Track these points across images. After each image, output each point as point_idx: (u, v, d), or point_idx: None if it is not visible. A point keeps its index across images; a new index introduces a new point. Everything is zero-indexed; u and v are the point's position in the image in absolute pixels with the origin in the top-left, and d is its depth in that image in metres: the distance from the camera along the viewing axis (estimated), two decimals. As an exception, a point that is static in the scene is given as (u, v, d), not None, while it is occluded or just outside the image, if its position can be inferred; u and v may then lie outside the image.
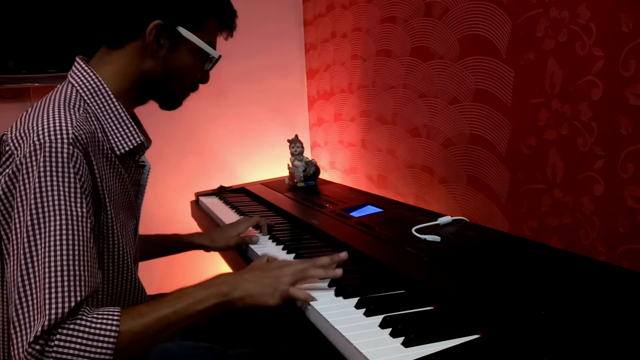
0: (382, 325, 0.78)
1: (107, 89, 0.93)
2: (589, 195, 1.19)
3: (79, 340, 0.72)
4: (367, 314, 0.82)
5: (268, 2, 2.52)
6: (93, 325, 0.74)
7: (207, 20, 0.97)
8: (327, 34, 2.38)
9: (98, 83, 0.92)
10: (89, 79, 0.92)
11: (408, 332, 0.74)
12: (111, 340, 0.74)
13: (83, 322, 0.73)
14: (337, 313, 0.84)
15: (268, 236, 1.33)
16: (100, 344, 0.73)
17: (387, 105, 1.96)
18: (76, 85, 0.92)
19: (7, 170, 0.80)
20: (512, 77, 1.37)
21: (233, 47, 2.51)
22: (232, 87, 2.47)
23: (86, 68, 0.93)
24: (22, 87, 2.06)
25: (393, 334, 0.75)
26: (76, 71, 0.93)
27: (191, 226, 1.94)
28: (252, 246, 1.26)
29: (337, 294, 0.91)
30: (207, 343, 1.07)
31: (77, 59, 0.95)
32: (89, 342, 0.73)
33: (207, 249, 1.34)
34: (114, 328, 0.74)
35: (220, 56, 1.00)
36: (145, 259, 1.23)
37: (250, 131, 2.54)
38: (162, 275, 2.22)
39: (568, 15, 1.19)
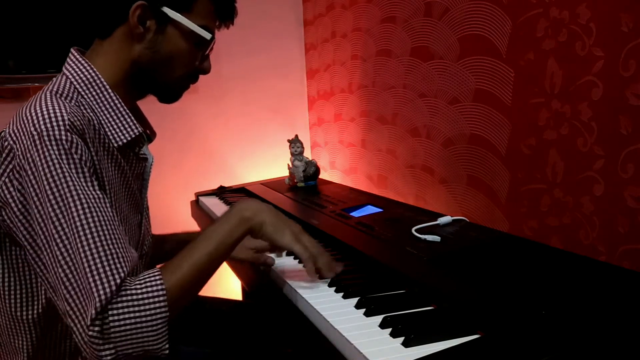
0: (382, 325, 0.78)
1: (102, 79, 0.90)
2: (589, 195, 1.19)
3: (133, 309, 0.74)
4: (367, 314, 0.82)
5: (268, 1, 2.52)
6: (140, 291, 0.75)
7: (196, 0, 0.92)
8: (327, 34, 2.37)
9: (92, 73, 0.90)
10: (83, 69, 0.90)
11: (408, 332, 0.74)
12: (162, 299, 0.76)
13: (130, 292, 0.75)
14: (337, 313, 0.84)
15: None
16: (153, 306, 0.75)
17: (387, 105, 1.96)
18: (70, 76, 0.90)
19: (10, 166, 0.79)
20: (512, 77, 1.37)
21: (233, 47, 2.53)
22: (232, 87, 2.47)
23: (80, 59, 0.91)
24: (22, 87, 2.06)
25: (393, 334, 0.75)
26: (70, 62, 0.92)
27: (191, 226, 1.94)
28: None
29: (336, 294, 0.91)
30: (207, 349, 1.06)
31: (71, 50, 0.93)
32: (143, 308, 0.75)
33: None
34: (160, 287, 0.77)
35: (213, 38, 0.95)
36: (164, 259, 1.20)
37: (250, 131, 2.54)
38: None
39: (568, 15, 1.19)
